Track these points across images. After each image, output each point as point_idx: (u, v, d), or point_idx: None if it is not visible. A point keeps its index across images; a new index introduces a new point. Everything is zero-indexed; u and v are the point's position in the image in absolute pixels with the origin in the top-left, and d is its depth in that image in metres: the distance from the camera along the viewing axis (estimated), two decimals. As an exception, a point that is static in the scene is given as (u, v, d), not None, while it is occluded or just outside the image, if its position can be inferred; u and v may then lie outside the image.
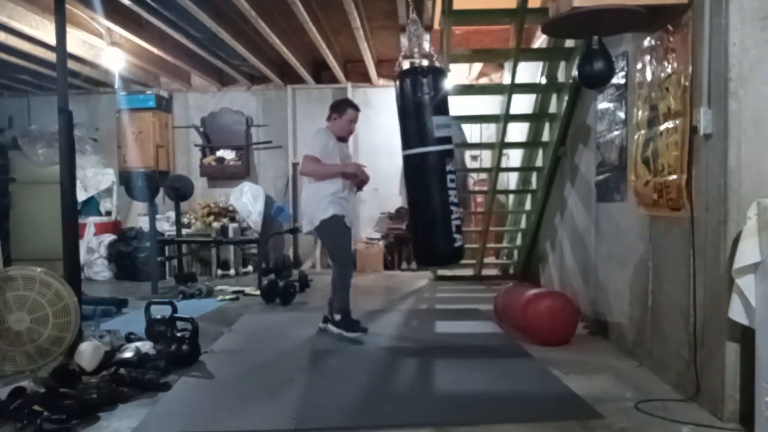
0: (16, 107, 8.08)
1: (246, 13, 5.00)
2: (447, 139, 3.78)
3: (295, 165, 8.02)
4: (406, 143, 3.83)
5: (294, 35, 6.24)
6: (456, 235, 3.77)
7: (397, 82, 3.85)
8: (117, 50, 6.04)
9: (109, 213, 7.84)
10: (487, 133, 7.62)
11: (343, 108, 4.13)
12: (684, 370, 2.73)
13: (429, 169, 3.77)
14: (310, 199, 4.02)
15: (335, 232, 3.97)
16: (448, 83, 3.81)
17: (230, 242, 7.15)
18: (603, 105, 3.94)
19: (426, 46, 4.13)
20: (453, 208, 3.75)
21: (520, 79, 4.88)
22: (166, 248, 6.99)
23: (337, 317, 3.98)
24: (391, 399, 2.85)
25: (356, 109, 4.19)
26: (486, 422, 2.50)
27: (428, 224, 3.82)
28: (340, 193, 3.97)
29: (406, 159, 3.86)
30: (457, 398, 2.83)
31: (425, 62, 4.15)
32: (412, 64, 4.20)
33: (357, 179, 4.10)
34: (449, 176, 3.75)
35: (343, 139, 4.18)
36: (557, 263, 5.14)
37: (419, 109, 3.72)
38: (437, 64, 4.17)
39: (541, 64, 5.46)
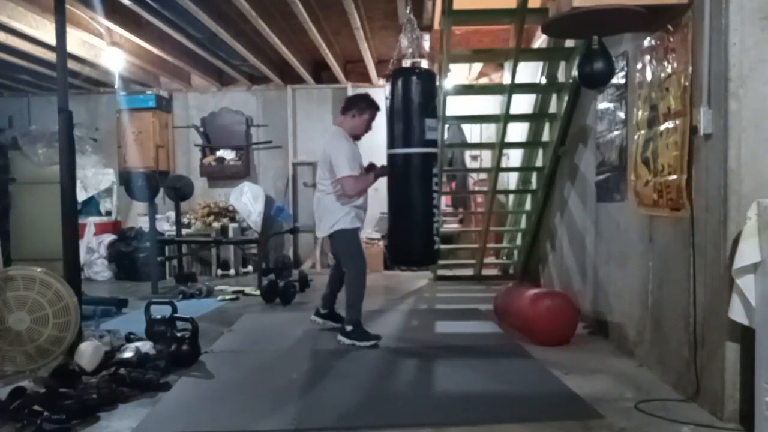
0: (16, 107, 8.08)
1: (246, 13, 5.00)
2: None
3: (295, 165, 8.03)
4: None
5: (294, 35, 6.23)
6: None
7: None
8: (117, 50, 6.03)
9: (109, 213, 7.83)
10: (487, 133, 7.62)
11: (364, 107, 3.94)
12: (684, 370, 2.73)
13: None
14: (328, 204, 3.84)
15: (347, 244, 3.87)
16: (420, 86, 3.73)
17: (230, 242, 7.15)
18: (603, 105, 3.94)
19: (424, 46, 4.09)
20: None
21: (520, 79, 4.87)
22: (166, 248, 6.99)
23: (349, 328, 3.80)
24: (391, 399, 2.85)
25: (378, 109, 4.00)
26: (486, 422, 2.50)
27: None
28: (358, 202, 3.86)
29: None
30: (457, 398, 2.83)
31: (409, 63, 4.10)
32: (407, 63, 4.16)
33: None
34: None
35: (357, 137, 3.98)
36: (557, 263, 5.14)
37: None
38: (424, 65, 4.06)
39: (541, 64, 5.46)
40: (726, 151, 2.39)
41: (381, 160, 4.02)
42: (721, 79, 2.41)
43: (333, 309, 4.25)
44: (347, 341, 3.77)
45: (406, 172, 3.75)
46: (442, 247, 6.49)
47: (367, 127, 4.01)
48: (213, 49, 6.44)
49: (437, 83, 3.74)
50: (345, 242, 3.87)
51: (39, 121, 7.77)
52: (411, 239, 3.82)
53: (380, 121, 4.00)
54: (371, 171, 3.99)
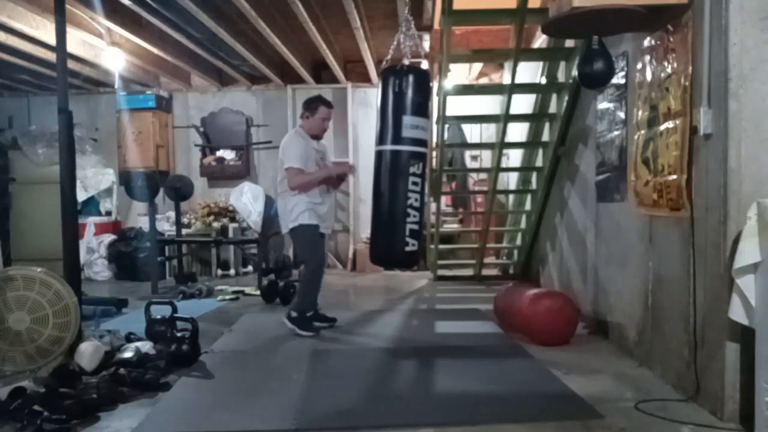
0: (16, 107, 8.07)
1: (246, 13, 5.00)
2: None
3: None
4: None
5: (294, 35, 6.23)
6: (408, 239, 3.60)
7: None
8: (117, 50, 6.03)
9: (109, 213, 7.84)
10: (487, 133, 7.63)
11: (315, 105, 4.08)
12: (684, 370, 2.73)
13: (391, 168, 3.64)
14: (285, 204, 4.05)
15: (306, 240, 4.05)
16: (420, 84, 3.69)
17: (230, 242, 7.15)
18: (603, 105, 3.94)
19: (419, 45, 4.09)
20: (410, 211, 3.58)
21: (520, 79, 4.87)
22: (166, 248, 6.99)
23: (294, 314, 4.08)
24: (391, 399, 2.85)
25: (329, 106, 4.12)
26: (486, 422, 2.50)
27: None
28: (315, 199, 4.02)
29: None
30: (457, 398, 2.83)
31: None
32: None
33: (343, 180, 4.21)
34: (412, 179, 3.54)
35: (317, 137, 4.14)
36: (557, 263, 5.14)
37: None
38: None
39: (541, 64, 5.46)
40: (726, 151, 2.39)
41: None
42: (721, 79, 2.41)
43: (316, 310, 4.28)
44: (289, 325, 4.05)
45: (378, 169, 3.62)
46: (442, 247, 6.59)
47: (323, 125, 4.13)
48: (213, 49, 6.44)
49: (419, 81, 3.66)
50: (301, 237, 4.06)
51: (39, 121, 7.77)
52: (377, 238, 3.70)
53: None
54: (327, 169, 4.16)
